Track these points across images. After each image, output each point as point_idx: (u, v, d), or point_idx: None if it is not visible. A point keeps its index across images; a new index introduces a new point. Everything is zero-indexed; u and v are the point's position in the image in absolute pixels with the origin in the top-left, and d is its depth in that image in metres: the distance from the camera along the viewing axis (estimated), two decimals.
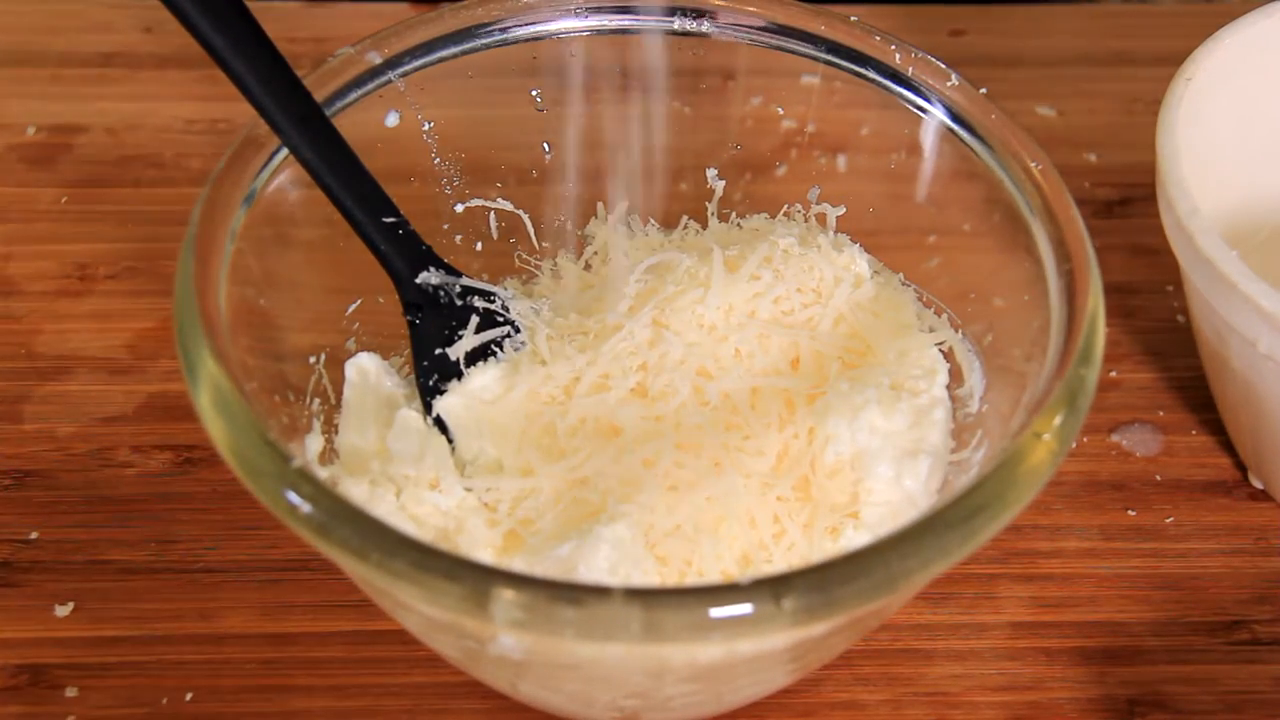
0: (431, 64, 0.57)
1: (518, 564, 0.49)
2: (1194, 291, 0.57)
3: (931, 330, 0.57)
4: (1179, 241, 0.56)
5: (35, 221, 0.70)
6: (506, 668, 0.48)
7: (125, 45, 0.78)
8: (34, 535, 0.58)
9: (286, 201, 0.53)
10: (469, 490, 0.51)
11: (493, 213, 0.61)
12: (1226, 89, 0.61)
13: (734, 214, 0.61)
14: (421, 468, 0.52)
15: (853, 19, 0.57)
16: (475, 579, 0.41)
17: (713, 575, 0.49)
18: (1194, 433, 0.64)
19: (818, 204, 0.60)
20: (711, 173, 0.61)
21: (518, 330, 0.55)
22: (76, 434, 0.62)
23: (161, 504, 0.59)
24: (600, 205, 0.61)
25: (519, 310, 0.56)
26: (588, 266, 0.60)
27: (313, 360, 0.55)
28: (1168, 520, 0.60)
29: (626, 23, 0.59)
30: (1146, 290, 0.68)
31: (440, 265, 0.55)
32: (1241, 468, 0.62)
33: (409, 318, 0.55)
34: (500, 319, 0.55)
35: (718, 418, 0.52)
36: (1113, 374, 0.65)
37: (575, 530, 0.49)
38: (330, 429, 0.55)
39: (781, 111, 0.60)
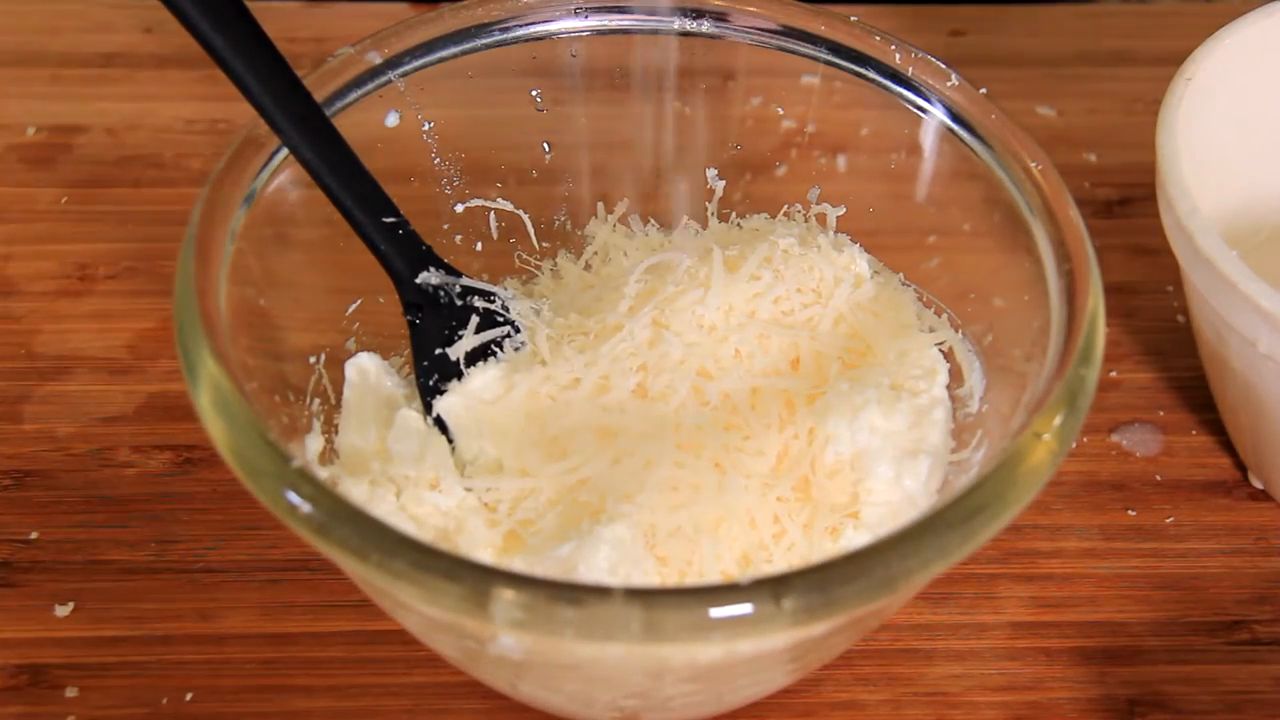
0: (431, 64, 0.57)
1: (518, 564, 0.49)
2: (1194, 291, 0.57)
3: (931, 330, 0.57)
4: (1179, 241, 0.56)
5: (35, 221, 0.70)
6: (506, 668, 0.48)
7: (125, 45, 0.78)
8: (34, 535, 0.58)
9: (286, 201, 0.53)
10: (469, 490, 0.51)
11: (493, 213, 0.61)
12: (1226, 89, 0.61)
13: (734, 214, 0.61)
14: (421, 468, 0.52)
15: (853, 19, 0.57)
16: (475, 579, 0.41)
17: (713, 575, 0.49)
18: (1194, 433, 0.64)
19: (818, 204, 0.60)
20: (711, 173, 0.61)
21: (518, 330, 0.55)
22: (76, 434, 0.62)
23: (161, 504, 0.59)
24: (600, 205, 0.61)
25: (519, 310, 0.56)
26: (588, 266, 0.60)
27: (313, 360, 0.55)
28: (1168, 520, 0.60)
29: (626, 23, 0.59)
30: (1146, 290, 0.68)
31: (440, 265, 0.55)
32: (1241, 468, 0.62)
33: (409, 318, 0.55)
34: (500, 319, 0.55)
35: (718, 418, 0.52)
36: (1113, 374, 0.65)
37: (575, 530, 0.49)
38: (330, 429, 0.55)
39: (781, 111, 0.60)
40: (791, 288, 0.56)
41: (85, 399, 0.63)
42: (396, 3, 0.82)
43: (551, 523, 0.50)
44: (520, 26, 0.58)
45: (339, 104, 0.55)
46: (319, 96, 0.53)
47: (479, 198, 0.60)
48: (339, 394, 0.55)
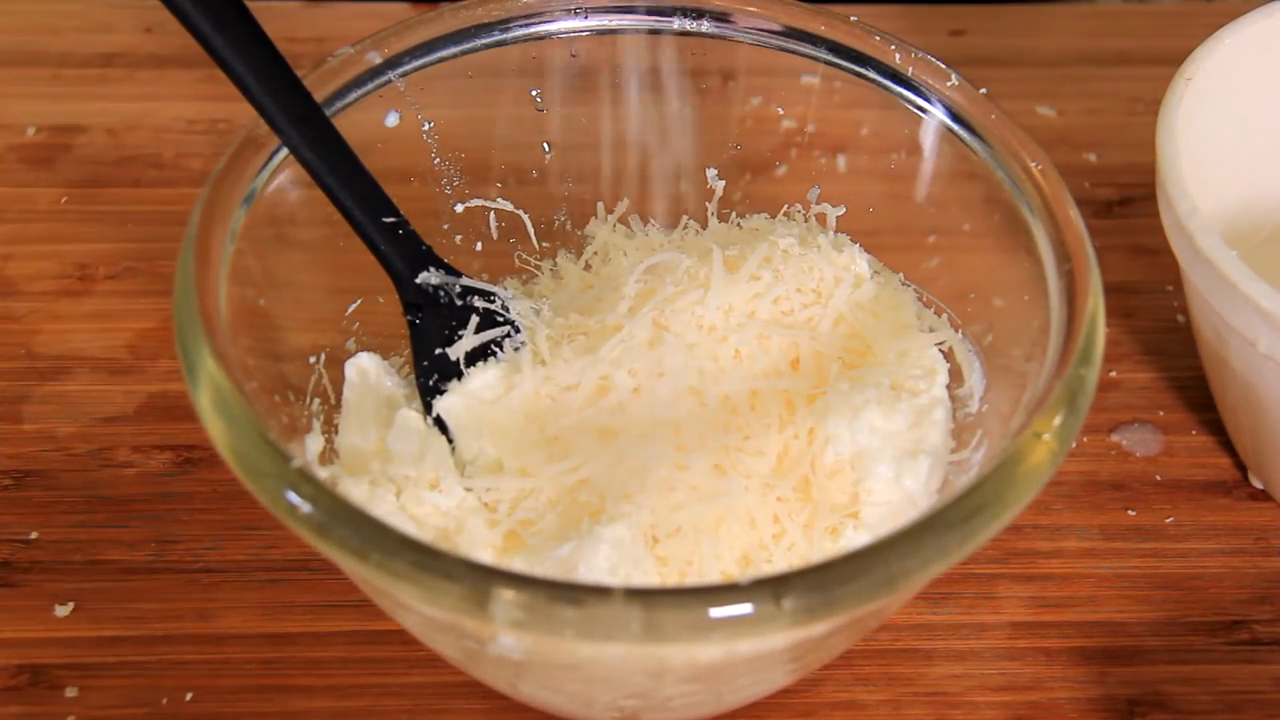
0: (431, 64, 0.57)
1: (518, 564, 0.49)
2: (1194, 291, 0.57)
3: (931, 330, 0.57)
4: (1179, 241, 0.56)
5: (35, 221, 0.70)
6: (506, 668, 0.48)
7: (125, 45, 0.78)
8: (34, 535, 0.58)
9: (286, 201, 0.53)
10: (469, 490, 0.51)
11: (493, 213, 0.61)
12: (1226, 89, 0.61)
13: (734, 214, 0.61)
14: (421, 468, 0.52)
15: (853, 19, 0.57)
16: (475, 579, 0.41)
17: (713, 575, 0.49)
18: (1194, 433, 0.64)
19: (818, 204, 0.60)
20: (711, 173, 0.61)
21: (518, 330, 0.55)
22: (76, 434, 0.62)
23: (161, 504, 0.59)
24: (600, 205, 0.61)
25: (519, 310, 0.56)
26: (588, 266, 0.60)
27: (313, 360, 0.55)
28: (1168, 520, 0.60)
29: (626, 23, 0.59)
30: (1146, 290, 0.68)
31: (440, 265, 0.55)
32: (1241, 468, 0.62)
33: (409, 318, 0.55)
34: (500, 319, 0.55)
35: (718, 418, 0.52)
36: (1113, 374, 0.65)
37: (575, 530, 0.49)
38: (330, 429, 0.55)
39: (781, 111, 0.60)
40: (791, 288, 0.56)
41: (85, 399, 0.63)
42: (396, 2, 0.82)
43: (551, 523, 0.50)
44: (520, 26, 0.58)
45: (339, 104, 0.55)
46: (319, 96, 0.53)
47: (479, 198, 0.60)
48: (339, 394, 0.55)
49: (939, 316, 0.57)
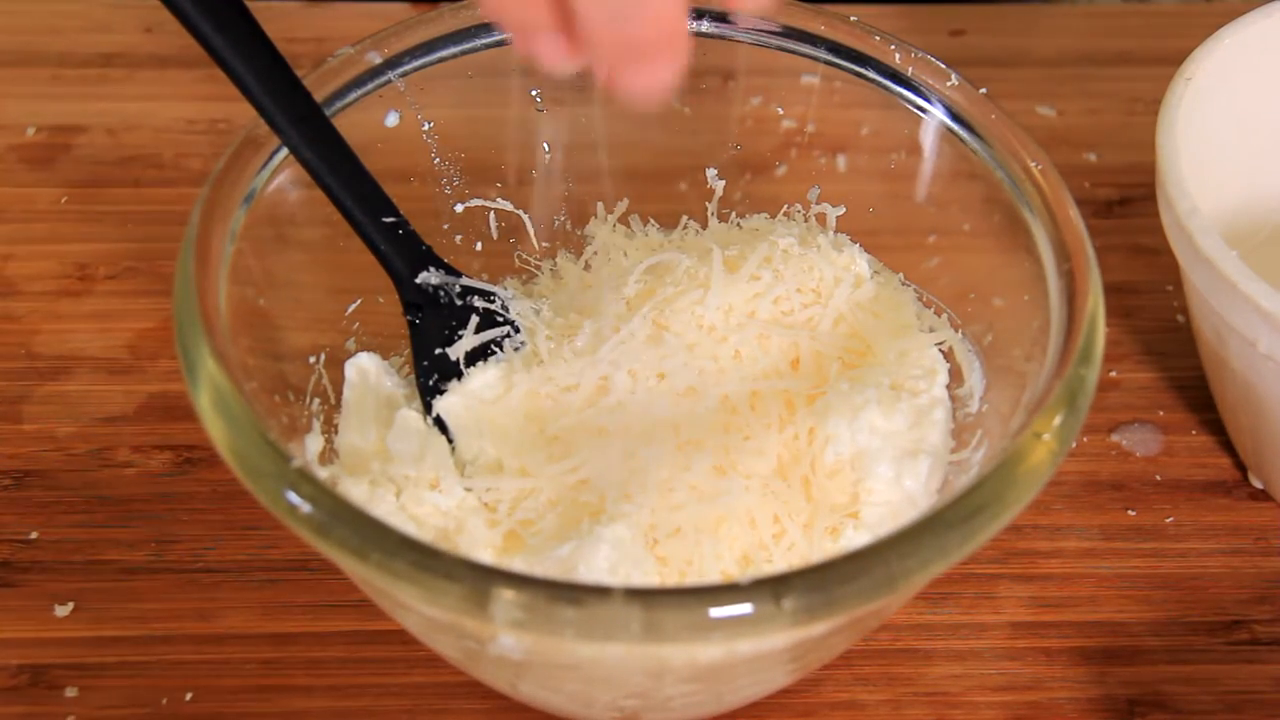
0: (431, 64, 0.57)
1: (518, 564, 0.49)
2: (1194, 291, 0.57)
3: (931, 330, 0.57)
4: (1179, 241, 0.56)
5: (35, 221, 0.70)
6: (506, 668, 0.48)
7: (125, 45, 0.78)
8: (34, 535, 0.58)
9: (286, 201, 0.53)
10: (469, 490, 0.51)
11: (493, 213, 0.61)
12: (1226, 89, 0.61)
13: (734, 214, 0.61)
14: (421, 468, 0.52)
15: (853, 19, 0.57)
16: (475, 579, 0.41)
17: (713, 575, 0.49)
18: (1194, 433, 0.64)
19: (818, 204, 0.60)
20: (711, 173, 0.61)
21: (517, 330, 0.55)
22: (76, 434, 0.62)
23: (161, 504, 0.59)
24: (600, 205, 0.61)
25: (519, 310, 0.56)
26: (588, 266, 0.60)
27: (313, 360, 0.55)
28: (1168, 520, 0.60)
29: None
30: (1146, 290, 0.68)
31: (440, 265, 0.55)
32: (1241, 468, 0.62)
33: (409, 318, 0.55)
34: (500, 319, 0.55)
35: (718, 418, 0.52)
36: (1113, 374, 0.65)
37: (575, 530, 0.49)
38: (330, 429, 0.55)
39: (781, 111, 0.60)
40: (791, 288, 0.56)
41: (85, 399, 0.63)
42: (396, 2, 0.82)
43: (551, 523, 0.50)
44: None
45: (339, 104, 0.55)
46: (319, 96, 0.53)
47: (479, 198, 0.60)
48: (339, 394, 0.55)
49: (939, 316, 0.57)
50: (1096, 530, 0.60)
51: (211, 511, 0.59)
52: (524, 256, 0.61)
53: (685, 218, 0.62)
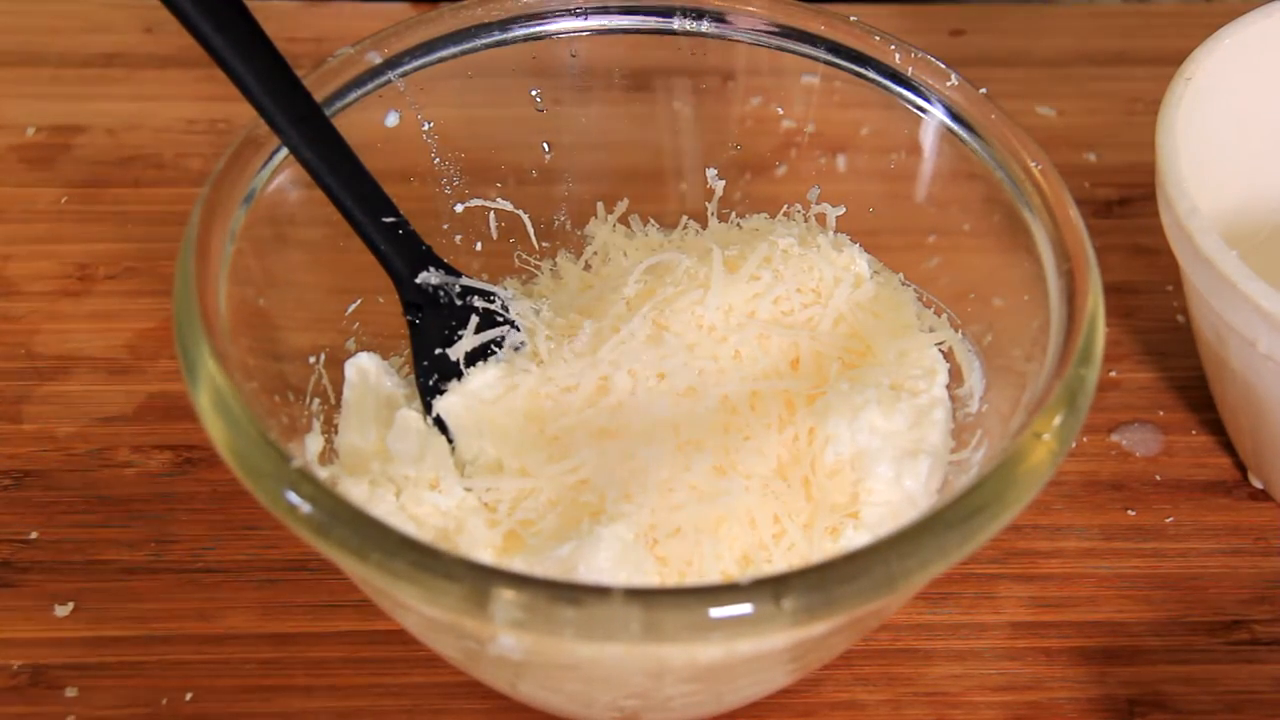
0: (431, 64, 0.57)
1: (518, 564, 0.49)
2: (1194, 291, 0.57)
3: (931, 330, 0.57)
4: (1178, 241, 0.56)
5: (35, 221, 0.70)
6: (506, 668, 0.48)
7: (125, 45, 0.78)
8: (34, 535, 0.58)
9: (286, 201, 0.53)
10: (469, 490, 0.51)
11: (493, 213, 0.61)
12: (1226, 89, 0.61)
13: (734, 214, 0.61)
14: (421, 468, 0.52)
15: (853, 19, 0.57)
16: (475, 579, 0.41)
17: (713, 575, 0.49)
18: (1194, 433, 0.64)
19: (818, 204, 0.60)
20: (711, 173, 0.61)
21: (517, 330, 0.55)
22: (76, 434, 0.62)
23: (161, 504, 0.59)
24: (600, 205, 0.61)
25: (519, 310, 0.56)
26: (588, 266, 0.60)
27: (313, 360, 0.55)
28: (1168, 520, 0.60)
29: (626, 23, 0.59)
30: (1146, 290, 0.68)
31: (440, 265, 0.55)
32: (1241, 468, 0.62)
33: (409, 318, 0.55)
34: (500, 319, 0.55)
35: (718, 418, 0.52)
36: (1113, 374, 0.65)
37: (575, 530, 0.49)
38: (330, 429, 0.55)
39: (781, 111, 0.60)
40: (791, 288, 0.56)
41: (85, 399, 0.63)
42: (397, 2, 0.82)
43: (551, 523, 0.50)
44: (520, 26, 0.58)
45: (339, 104, 0.55)
46: (319, 96, 0.53)
47: (479, 198, 0.60)
48: (339, 394, 0.55)
49: (939, 316, 0.57)
50: (1096, 530, 0.60)
51: (211, 511, 0.59)
52: (524, 256, 0.61)
53: (685, 218, 0.62)
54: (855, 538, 0.51)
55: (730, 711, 0.53)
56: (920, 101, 0.56)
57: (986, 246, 0.55)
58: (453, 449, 0.53)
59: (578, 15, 0.58)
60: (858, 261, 0.57)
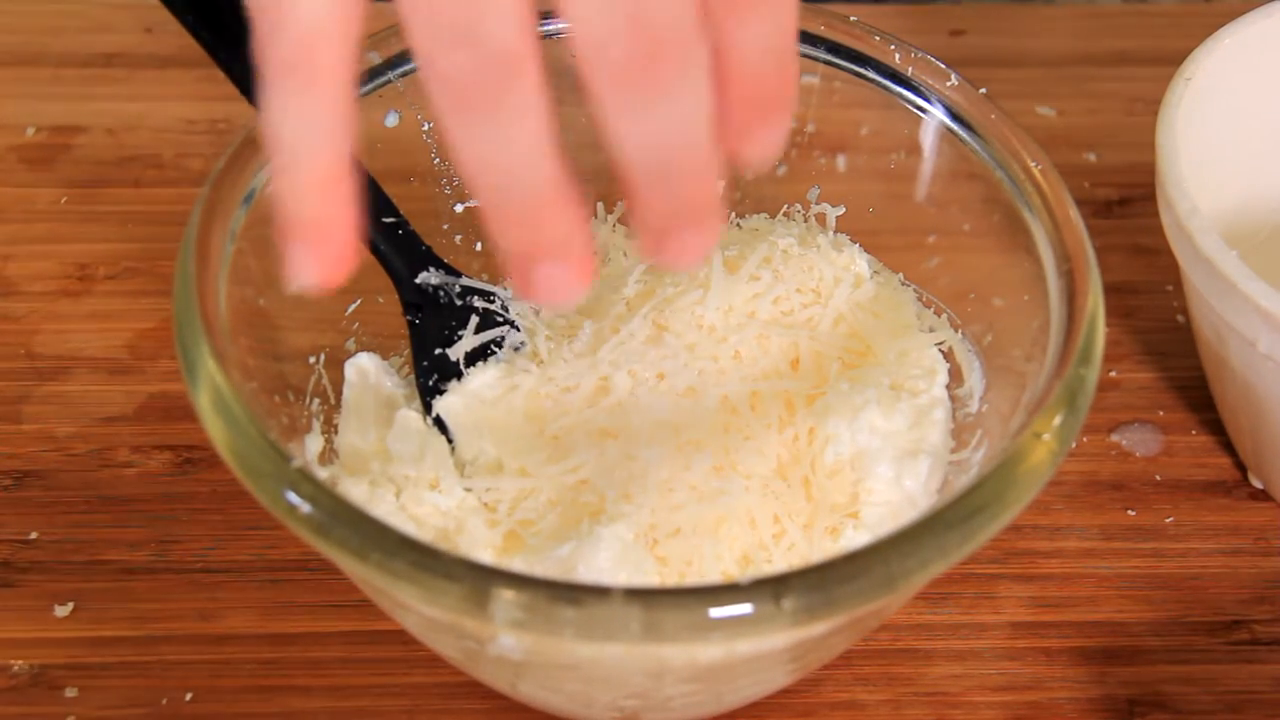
0: None
1: (518, 564, 0.49)
2: (1194, 291, 0.57)
3: (931, 330, 0.57)
4: (1178, 241, 0.56)
5: (35, 221, 0.70)
6: (506, 668, 0.48)
7: (125, 45, 0.78)
8: (34, 535, 0.58)
9: None
10: (469, 490, 0.51)
11: None
12: (1226, 89, 0.61)
13: (734, 214, 0.61)
14: (421, 468, 0.52)
15: (853, 19, 0.57)
16: (475, 579, 0.41)
17: (713, 575, 0.49)
18: (1194, 433, 0.64)
19: (818, 204, 0.60)
20: None
21: (517, 330, 0.55)
22: (76, 434, 0.62)
23: (161, 504, 0.59)
24: (600, 205, 0.61)
25: (519, 310, 0.56)
26: None
27: (313, 360, 0.55)
28: (1168, 520, 0.60)
29: None
30: (1146, 290, 0.68)
31: (440, 265, 0.55)
32: (1241, 468, 0.62)
33: (409, 318, 0.55)
34: (500, 319, 0.55)
35: (718, 419, 0.52)
36: (1113, 374, 0.65)
37: (575, 530, 0.49)
38: (330, 429, 0.55)
39: None
40: (791, 288, 0.56)
41: (85, 399, 0.63)
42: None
43: (551, 523, 0.50)
44: None
45: None
46: None
47: None
48: (339, 394, 0.55)
49: (939, 316, 0.57)
50: (1096, 530, 0.60)
51: (211, 512, 0.59)
52: None
53: None
54: (855, 538, 0.51)
55: (730, 711, 0.53)
56: (920, 101, 0.56)
57: (986, 246, 0.55)
58: (453, 449, 0.53)
59: None
60: (858, 261, 0.58)
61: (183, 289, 0.47)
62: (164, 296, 0.65)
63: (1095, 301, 0.49)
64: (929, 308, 0.58)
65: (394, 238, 0.53)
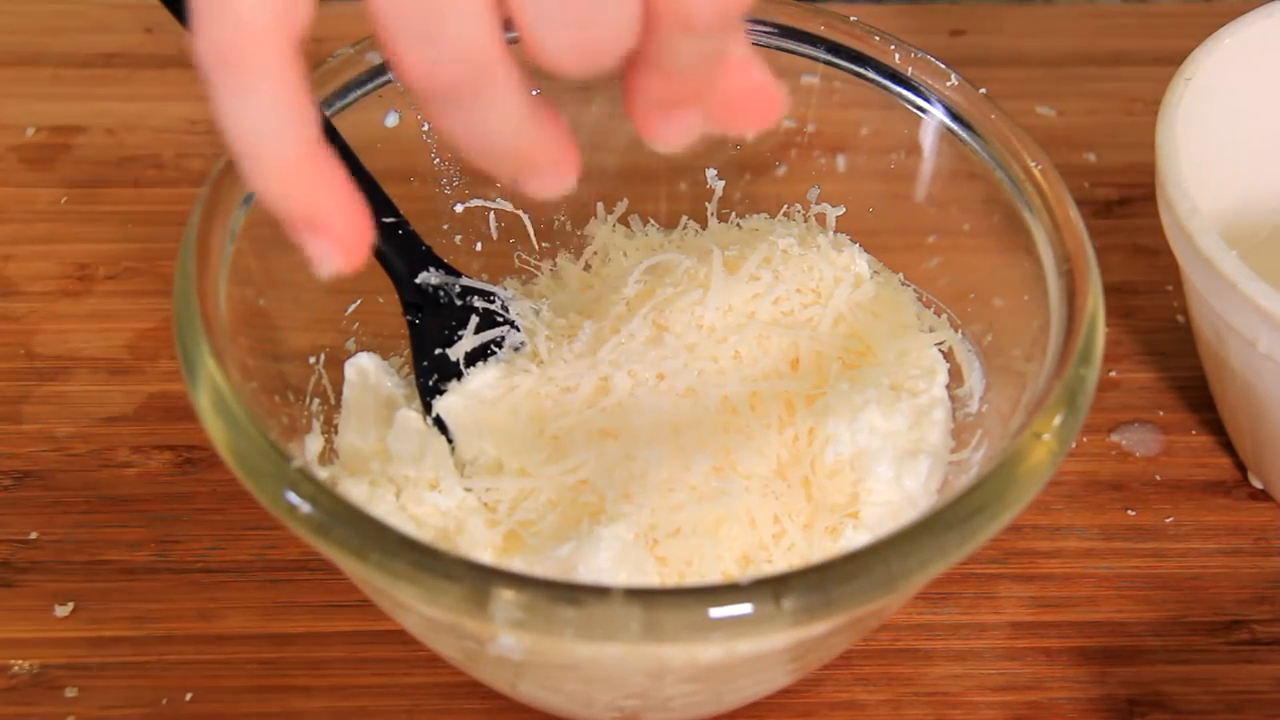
0: None
1: (518, 564, 0.49)
2: (1194, 291, 0.57)
3: (931, 330, 0.57)
4: (1178, 241, 0.56)
5: (35, 221, 0.70)
6: (506, 668, 0.48)
7: (125, 45, 0.78)
8: (34, 535, 0.58)
9: None
10: (469, 490, 0.51)
11: (492, 213, 0.61)
12: (1226, 89, 0.61)
13: (734, 214, 0.61)
14: (421, 468, 0.52)
15: (853, 19, 0.57)
16: (475, 579, 0.41)
17: (713, 575, 0.49)
18: (1194, 433, 0.64)
19: (818, 204, 0.60)
20: (711, 173, 0.61)
21: (517, 330, 0.55)
22: (76, 434, 0.62)
23: (162, 504, 0.59)
24: (600, 205, 0.61)
25: (519, 310, 0.56)
26: (588, 267, 0.60)
27: (313, 360, 0.55)
28: (1168, 520, 0.60)
29: None
30: (1146, 290, 0.68)
31: (440, 265, 0.55)
32: (1241, 468, 0.62)
33: (409, 318, 0.55)
34: (500, 319, 0.55)
35: (718, 419, 0.52)
36: (1113, 374, 0.65)
37: (575, 530, 0.49)
38: (330, 429, 0.55)
39: None
40: (791, 288, 0.56)
41: (85, 399, 0.63)
42: None
43: (551, 523, 0.50)
44: None
45: (339, 104, 0.55)
46: (319, 96, 0.53)
47: (479, 198, 0.60)
48: (339, 394, 0.55)
49: (939, 316, 0.57)
50: (1096, 530, 0.60)
51: (212, 512, 0.59)
52: (524, 257, 0.61)
53: (685, 218, 0.62)
54: (855, 538, 0.51)
55: (730, 711, 0.53)
56: (920, 101, 0.56)
57: (986, 246, 0.55)
58: (453, 449, 0.53)
59: None
60: (858, 261, 0.58)
61: (183, 289, 0.47)
62: (164, 296, 0.65)
63: (1095, 301, 0.49)
64: (929, 308, 0.58)
65: (394, 238, 0.53)
